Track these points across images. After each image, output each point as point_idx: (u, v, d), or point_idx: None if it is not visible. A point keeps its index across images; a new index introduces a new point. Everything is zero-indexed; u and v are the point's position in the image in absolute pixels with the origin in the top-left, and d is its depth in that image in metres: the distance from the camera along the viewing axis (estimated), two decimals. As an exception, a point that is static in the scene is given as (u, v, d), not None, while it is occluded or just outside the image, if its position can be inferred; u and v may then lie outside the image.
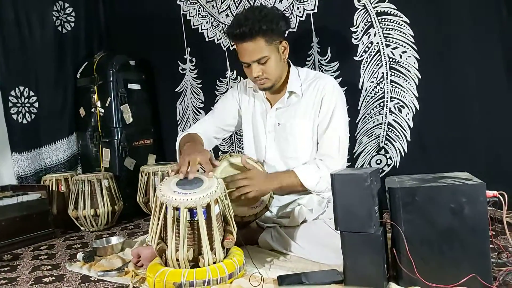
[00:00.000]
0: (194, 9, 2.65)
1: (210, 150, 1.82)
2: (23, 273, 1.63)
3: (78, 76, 2.86)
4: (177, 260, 1.26)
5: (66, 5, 2.89)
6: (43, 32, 2.75)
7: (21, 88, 2.65)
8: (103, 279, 1.47)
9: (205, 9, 2.61)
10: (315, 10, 2.21)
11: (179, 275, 1.23)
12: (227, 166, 1.63)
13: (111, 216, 2.37)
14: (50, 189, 2.44)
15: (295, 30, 2.26)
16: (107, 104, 2.68)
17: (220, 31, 2.55)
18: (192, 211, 1.27)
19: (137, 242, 1.87)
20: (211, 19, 2.59)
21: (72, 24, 2.92)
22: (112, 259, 1.65)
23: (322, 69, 2.19)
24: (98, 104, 2.71)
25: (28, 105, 2.67)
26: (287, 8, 2.28)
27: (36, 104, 2.70)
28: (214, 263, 1.28)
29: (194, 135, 1.72)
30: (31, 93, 2.68)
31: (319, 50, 2.21)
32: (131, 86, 2.78)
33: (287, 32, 1.71)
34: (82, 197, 2.31)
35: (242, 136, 1.88)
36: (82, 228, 2.37)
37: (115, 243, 1.80)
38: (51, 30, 2.80)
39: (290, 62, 1.75)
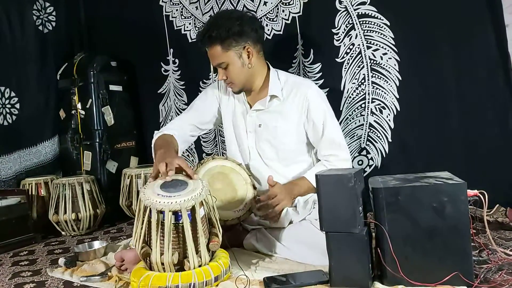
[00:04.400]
0: (177, 10, 2.63)
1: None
2: (3, 280, 1.58)
3: (57, 77, 2.80)
4: (162, 264, 1.25)
5: (47, 4, 2.83)
6: (24, 32, 2.69)
7: (2, 88, 2.58)
8: (86, 285, 1.44)
9: (188, 10, 2.59)
10: (300, 13, 2.22)
11: (164, 279, 1.22)
12: (209, 169, 1.63)
13: (93, 220, 2.33)
14: (30, 193, 2.39)
15: (281, 32, 2.27)
16: (88, 106, 2.64)
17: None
18: (176, 214, 1.26)
19: (120, 246, 1.84)
20: (195, 20, 2.58)
21: (54, 23, 2.86)
22: (95, 264, 1.63)
23: (305, 71, 2.21)
24: (79, 106, 2.66)
25: (9, 106, 2.60)
26: (271, 10, 2.29)
27: (17, 105, 2.64)
28: (200, 266, 1.27)
29: (169, 138, 1.69)
30: (12, 94, 2.62)
31: (303, 52, 2.22)
32: (113, 87, 2.73)
33: (256, 34, 1.67)
34: (63, 201, 2.26)
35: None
36: (63, 233, 2.32)
37: (97, 247, 1.77)
38: (32, 29, 2.74)
39: (270, 65, 1.76)
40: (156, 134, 1.74)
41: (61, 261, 1.66)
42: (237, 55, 1.65)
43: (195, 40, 2.58)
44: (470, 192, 1.16)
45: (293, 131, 1.70)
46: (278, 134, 1.70)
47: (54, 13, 2.86)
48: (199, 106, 1.87)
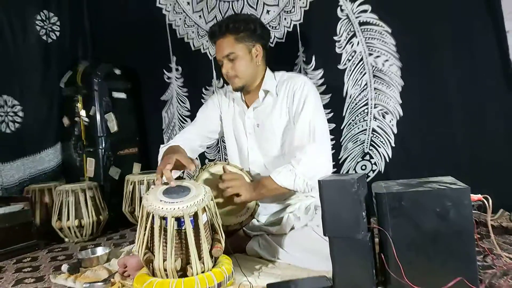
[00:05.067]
0: (180, 18, 2.65)
1: (197, 158, 1.84)
2: (6, 287, 1.58)
3: (62, 85, 2.82)
4: (165, 270, 1.25)
5: (51, 14, 2.87)
6: (27, 41, 2.72)
7: (5, 97, 2.61)
8: (89, 291, 1.44)
9: (191, 19, 2.61)
10: (301, 21, 2.23)
11: (167, 285, 1.21)
12: (211, 174, 1.63)
13: (96, 226, 2.33)
14: (33, 200, 2.39)
15: (282, 40, 2.29)
16: (91, 113, 2.65)
17: (207, 41, 2.56)
18: (179, 220, 1.26)
19: (123, 252, 1.84)
20: (198, 28, 2.59)
21: (57, 33, 2.89)
22: (98, 270, 1.62)
23: (307, 77, 2.21)
24: (83, 113, 2.67)
25: (12, 114, 2.62)
26: (274, 19, 2.31)
27: (20, 113, 2.66)
28: (203, 272, 1.27)
29: (175, 147, 1.71)
30: (15, 102, 2.65)
31: (304, 59, 2.23)
32: (116, 94, 2.75)
33: (265, 40, 1.76)
34: (66, 207, 2.27)
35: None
36: (66, 239, 2.32)
37: (100, 254, 1.77)
38: (35, 39, 2.77)
39: (268, 68, 1.79)
40: (162, 147, 1.76)
41: (64, 267, 1.65)
42: (247, 50, 1.70)
43: (198, 47, 2.60)
44: (474, 196, 1.15)
45: (289, 124, 1.70)
46: (275, 130, 1.72)
47: (58, 23, 2.90)
48: (201, 116, 1.91)
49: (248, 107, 1.79)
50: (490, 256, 1.32)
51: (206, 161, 2.62)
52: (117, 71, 2.79)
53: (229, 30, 1.67)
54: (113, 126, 2.68)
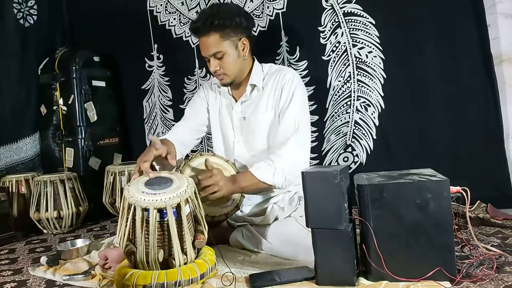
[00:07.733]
0: (161, 5, 2.60)
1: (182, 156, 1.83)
2: (-18, 280, 1.55)
3: (39, 72, 2.74)
4: (147, 262, 1.24)
5: (28, -4, 2.77)
6: (4, 25, 2.62)
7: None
8: (69, 283, 1.42)
9: (173, 5, 2.56)
10: (284, 9, 2.22)
11: (149, 277, 1.21)
12: (196, 165, 1.62)
13: (75, 218, 2.29)
14: (10, 190, 2.33)
15: (265, 29, 2.27)
16: (70, 102, 2.58)
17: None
18: (161, 212, 1.25)
19: (104, 244, 1.82)
20: (179, 15, 2.55)
21: (35, 17, 2.79)
22: (78, 262, 1.60)
23: (290, 68, 2.21)
24: (61, 101, 2.60)
25: None
26: (257, 7, 2.28)
27: None
28: (185, 263, 1.26)
29: (163, 141, 1.68)
30: None
31: (288, 49, 2.23)
32: (96, 83, 2.69)
33: (250, 30, 1.72)
34: (45, 198, 2.22)
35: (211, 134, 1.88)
36: (44, 231, 2.28)
37: (80, 245, 1.75)
38: (13, 23, 2.66)
39: (255, 59, 1.77)
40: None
41: (43, 259, 1.63)
42: (234, 46, 1.64)
43: (180, 35, 2.55)
44: (453, 188, 1.18)
45: (274, 119, 1.69)
46: (261, 124, 1.71)
47: (35, 7, 2.79)
48: (190, 111, 1.89)
49: (236, 100, 1.77)
50: (468, 247, 1.35)
51: (190, 151, 2.60)
52: (96, 58, 2.72)
53: (213, 28, 1.59)
54: (93, 116, 2.62)
